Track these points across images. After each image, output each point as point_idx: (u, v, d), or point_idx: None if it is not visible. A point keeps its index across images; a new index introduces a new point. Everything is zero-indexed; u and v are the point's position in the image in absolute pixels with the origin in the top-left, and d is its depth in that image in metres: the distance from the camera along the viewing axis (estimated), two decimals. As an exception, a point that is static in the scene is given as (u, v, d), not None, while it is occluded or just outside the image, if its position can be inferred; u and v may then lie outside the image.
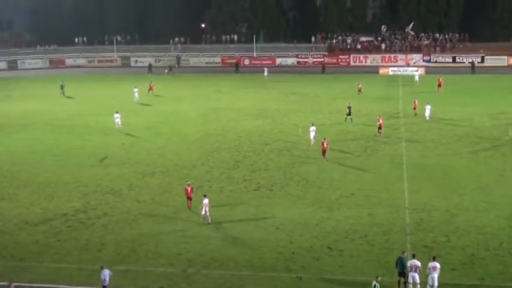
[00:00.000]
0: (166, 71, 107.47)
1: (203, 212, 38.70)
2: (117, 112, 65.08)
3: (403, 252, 31.31)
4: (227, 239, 36.54)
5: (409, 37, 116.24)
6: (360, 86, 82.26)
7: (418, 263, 29.82)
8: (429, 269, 29.68)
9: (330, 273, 32.29)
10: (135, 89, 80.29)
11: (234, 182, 46.70)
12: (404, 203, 41.64)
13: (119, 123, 64.11)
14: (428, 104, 66.35)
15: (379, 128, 59.02)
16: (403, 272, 30.04)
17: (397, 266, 30.45)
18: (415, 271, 29.70)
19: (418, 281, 29.68)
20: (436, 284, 29.49)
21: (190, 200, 41.24)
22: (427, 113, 65.19)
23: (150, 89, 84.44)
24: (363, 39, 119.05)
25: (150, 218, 39.97)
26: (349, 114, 65.18)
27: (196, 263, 33.52)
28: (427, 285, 29.63)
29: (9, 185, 47.28)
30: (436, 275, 29.50)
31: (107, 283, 30.33)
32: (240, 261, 33.77)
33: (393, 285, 30.51)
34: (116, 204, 42.69)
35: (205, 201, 38.78)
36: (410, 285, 29.77)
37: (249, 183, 46.39)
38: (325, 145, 51.80)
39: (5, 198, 44.49)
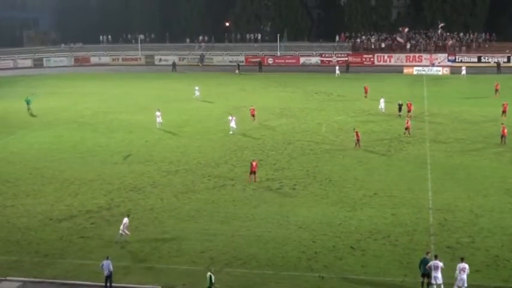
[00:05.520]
0: (236, 71, 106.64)
1: (121, 232, 36.17)
2: (158, 110, 65.36)
3: (427, 252, 31.14)
4: (250, 238, 36.55)
5: (440, 27, 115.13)
6: (366, 87, 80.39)
7: (440, 264, 29.65)
8: (458, 270, 29.47)
9: (353, 273, 32.20)
10: (196, 87, 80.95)
11: (257, 180, 46.70)
12: (428, 203, 41.39)
13: (160, 121, 64.37)
14: (382, 97, 70.13)
15: (406, 128, 58.82)
16: (426, 273, 29.89)
17: (420, 267, 30.31)
18: (437, 271, 29.53)
19: (440, 281, 29.53)
20: (465, 285, 29.29)
21: (254, 174, 46.15)
22: (382, 105, 69.33)
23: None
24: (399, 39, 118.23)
25: (173, 216, 40.13)
26: (400, 110, 66.83)
27: (219, 261, 33.58)
28: (455, 286, 29.43)
29: (34, 182, 47.70)
30: (465, 276, 29.30)
31: (106, 273, 30.87)
32: (262, 259, 33.79)
33: (417, 286, 30.38)
34: (140, 202, 42.92)
35: (125, 220, 36.49)
36: (434, 286, 29.64)
37: (271, 182, 46.38)
38: (359, 134, 55.39)
39: (30, 194, 44.91)
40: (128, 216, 37.43)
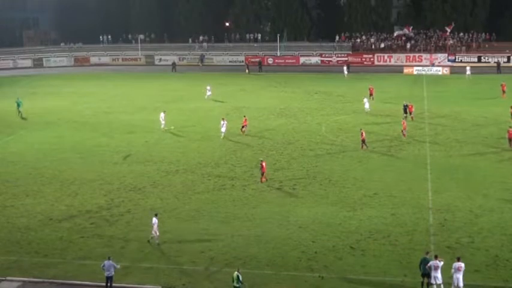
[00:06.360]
0: (246, 70, 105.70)
1: (157, 234, 35.86)
2: (163, 112, 63.79)
3: (427, 252, 31.16)
4: (250, 238, 36.55)
5: (448, 30, 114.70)
6: (371, 88, 78.39)
7: (439, 263, 29.64)
8: (454, 269, 29.49)
9: (353, 273, 32.20)
10: (208, 87, 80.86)
11: (257, 180, 46.67)
12: (427, 203, 41.39)
13: (163, 122, 62.94)
14: (364, 97, 71.28)
15: (404, 129, 58.64)
16: (426, 273, 29.89)
17: (420, 267, 30.31)
18: (437, 271, 29.53)
19: (440, 281, 29.53)
20: (461, 284, 29.29)
21: (263, 174, 46.16)
22: (366, 105, 69.64)
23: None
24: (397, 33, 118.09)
25: (173, 216, 40.13)
26: (406, 112, 65.35)
27: (219, 261, 33.59)
28: (452, 286, 29.44)
29: (34, 182, 47.69)
30: (460, 276, 29.30)
31: (107, 274, 30.74)
32: (262, 259, 33.79)
33: (417, 286, 30.37)
34: (139, 202, 42.92)
35: (155, 220, 35.98)
36: (434, 286, 29.63)
37: (271, 182, 46.36)
38: (364, 135, 54.95)
39: (29, 194, 44.90)
40: (156, 215, 36.65)
